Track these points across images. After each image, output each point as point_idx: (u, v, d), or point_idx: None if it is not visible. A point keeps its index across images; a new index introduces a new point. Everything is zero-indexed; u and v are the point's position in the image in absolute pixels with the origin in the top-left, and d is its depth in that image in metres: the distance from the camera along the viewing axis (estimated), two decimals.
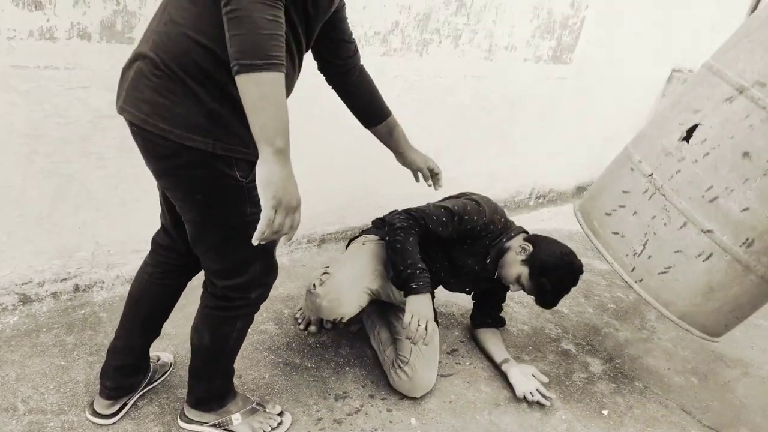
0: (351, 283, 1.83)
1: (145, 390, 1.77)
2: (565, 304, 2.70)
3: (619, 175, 2.10)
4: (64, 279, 2.10)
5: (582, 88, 3.61)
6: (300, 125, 2.34)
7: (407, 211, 1.90)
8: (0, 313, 1.98)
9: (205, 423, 1.66)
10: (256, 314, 1.60)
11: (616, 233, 2.01)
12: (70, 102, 1.85)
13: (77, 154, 1.94)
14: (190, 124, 1.17)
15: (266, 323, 2.19)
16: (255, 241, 1.15)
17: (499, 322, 2.29)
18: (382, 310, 2.14)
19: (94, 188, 2.02)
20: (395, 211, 1.99)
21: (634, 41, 3.75)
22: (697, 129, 1.87)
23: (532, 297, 2.01)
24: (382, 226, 2.07)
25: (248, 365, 1.97)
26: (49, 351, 1.88)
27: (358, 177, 2.76)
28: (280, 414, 1.76)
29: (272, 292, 2.12)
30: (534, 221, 3.63)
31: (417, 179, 1.87)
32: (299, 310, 2.26)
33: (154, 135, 1.20)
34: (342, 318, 1.83)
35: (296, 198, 1.15)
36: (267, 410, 1.74)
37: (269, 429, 1.70)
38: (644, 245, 1.93)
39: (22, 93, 1.76)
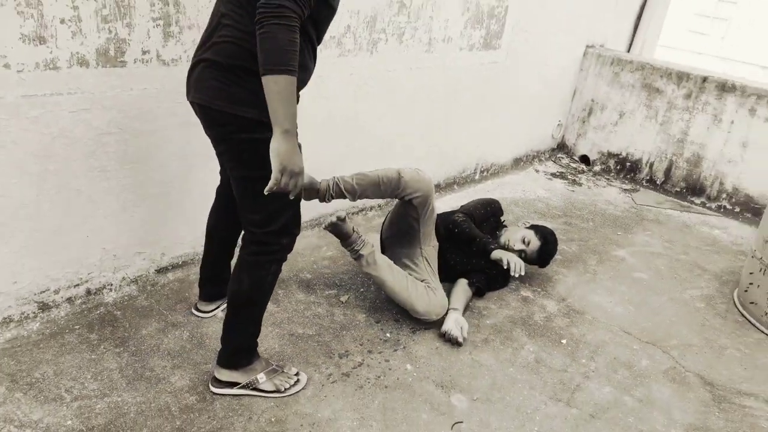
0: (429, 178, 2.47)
1: None
2: None
3: (749, 261, 2.96)
4: (77, 285, 2.30)
5: (511, 70, 4.01)
6: None
7: (462, 212, 2.80)
8: (23, 321, 2.17)
9: (236, 385, 1.95)
10: None
11: (752, 302, 2.86)
12: (75, 123, 2.06)
13: (83, 170, 2.14)
14: (240, 101, 1.61)
15: (269, 306, 2.45)
16: (266, 192, 1.56)
17: (479, 290, 2.68)
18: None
19: (98, 198, 2.23)
20: (453, 212, 2.85)
21: (551, 23, 4.19)
22: None
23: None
24: None
25: (259, 340, 2.23)
26: (78, 348, 2.09)
27: (326, 172, 3.05)
28: (297, 374, 2.06)
29: None
30: (481, 193, 4.02)
31: None
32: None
33: (214, 110, 1.65)
34: (414, 192, 2.40)
35: (299, 166, 1.55)
36: (285, 371, 2.04)
37: (289, 386, 2.00)
38: None
39: (32, 119, 1.96)
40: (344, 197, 2.48)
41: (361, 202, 3.39)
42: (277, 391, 1.98)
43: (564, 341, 2.48)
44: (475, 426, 1.98)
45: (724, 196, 4.17)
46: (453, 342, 2.35)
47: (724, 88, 4.02)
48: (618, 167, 4.66)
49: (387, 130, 3.32)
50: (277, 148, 1.50)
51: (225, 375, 1.96)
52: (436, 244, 2.62)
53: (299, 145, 1.59)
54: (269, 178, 1.65)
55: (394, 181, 2.40)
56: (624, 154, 4.61)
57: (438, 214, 2.79)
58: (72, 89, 2.01)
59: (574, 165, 4.83)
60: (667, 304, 2.88)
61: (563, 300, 2.80)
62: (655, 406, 2.18)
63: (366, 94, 3.08)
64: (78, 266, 2.28)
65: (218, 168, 2.16)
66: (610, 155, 4.69)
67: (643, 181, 4.54)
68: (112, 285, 2.40)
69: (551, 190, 4.26)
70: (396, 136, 3.40)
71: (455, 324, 2.40)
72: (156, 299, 2.40)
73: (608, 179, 4.63)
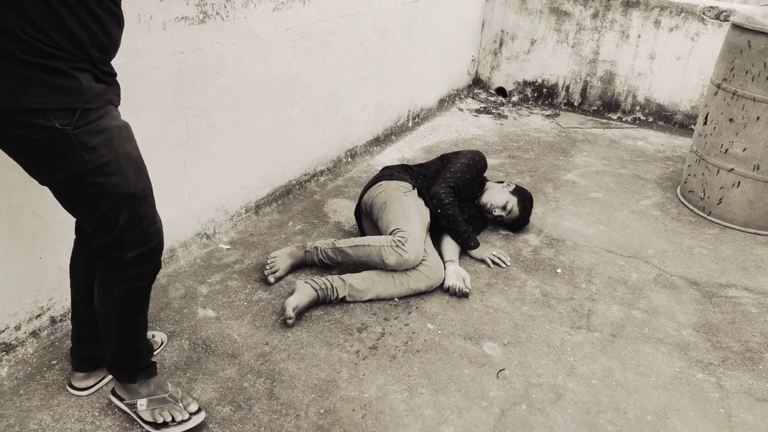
0: (420, 234, 2.30)
1: None
2: None
3: (689, 155, 3.26)
4: (39, 315, 1.97)
5: (430, 7, 3.91)
6: (215, 109, 2.40)
7: (448, 185, 2.52)
8: None
9: (122, 400, 1.69)
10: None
11: (691, 191, 3.18)
12: None
13: (22, 181, 1.79)
14: None
15: (257, 293, 2.26)
16: None
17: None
18: None
19: (44, 213, 1.89)
20: (440, 182, 2.54)
21: None
22: (708, 117, 3.05)
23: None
24: (403, 172, 2.63)
25: (267, 333, 2.05)
26: (65, 384, 1.80)
27: (275, 139, 2.82)
28: (196, 411, 1.67)
29: (244, 264, 2.18)
30: (418, 139, 3.95)
31: None
32: (270, 263, 2.37)
33: None
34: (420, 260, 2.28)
35: None
36: (181, 404, 1.67)
37: (172, 421, 1.63)
38: (703, 192, 3.08)
39: None
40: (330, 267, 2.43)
41: (310, 168, 3.19)
42: (154, 423, 1.63)
43: (559, 270, 2.52)
44: (517, 369, 1.97)
45: (637, 108, 4.41)
46: (459, 295, 2.30)
47: (629, 3, 4.19)
48: (535, 95, 4.77)
49: (327, 84, 3.12)
50: None
51: (117, 387, 1.69)
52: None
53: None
54: (75, 171, 1.29)
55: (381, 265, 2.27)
56: (540, 81, 4.72)
57: (420, 166, 2.70)
58: None
59: (492, 98, 4.88)
60: (630, 218, 3.02)
61: (541, 232, 2.84)
62: (660, 314, 2.29)
63: (304, 48, 2.85)
64: (36, 294, 1.94)
65: None
66: (526, 84, 4.79)
67: (562, 105, 4.69)
68: None
69: (482, 126, 4.28)
70: (336, 90, 3.21)
71: (456, 276, 2.35)
72: None
73: (528, 107, 4.73)
